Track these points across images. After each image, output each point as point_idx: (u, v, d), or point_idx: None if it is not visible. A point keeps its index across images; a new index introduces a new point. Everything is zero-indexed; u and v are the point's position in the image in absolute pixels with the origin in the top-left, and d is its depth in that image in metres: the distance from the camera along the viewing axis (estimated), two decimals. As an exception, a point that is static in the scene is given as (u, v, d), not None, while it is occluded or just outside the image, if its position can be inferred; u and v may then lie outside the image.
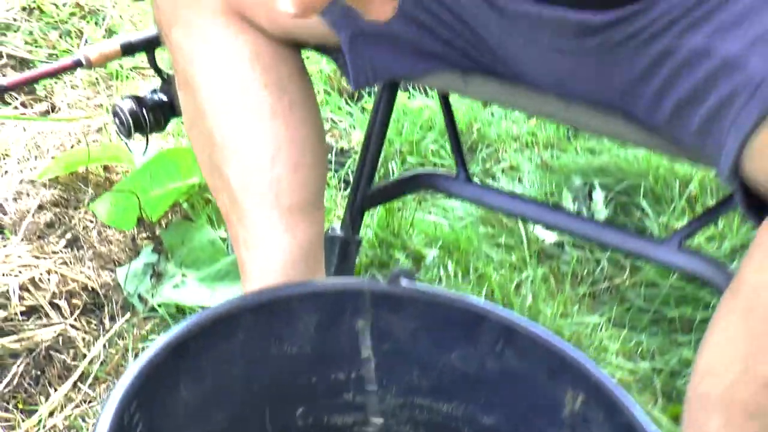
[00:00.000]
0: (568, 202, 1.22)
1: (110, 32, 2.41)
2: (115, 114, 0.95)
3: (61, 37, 2.22)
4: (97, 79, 2.06)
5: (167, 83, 0.97)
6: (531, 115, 0.86)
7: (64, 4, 2.38)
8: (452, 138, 0.82)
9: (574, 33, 0.65)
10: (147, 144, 0.99)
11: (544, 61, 0.70)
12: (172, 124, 1.10)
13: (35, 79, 1.09)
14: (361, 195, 0.88)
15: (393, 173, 1.41)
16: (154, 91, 0.96)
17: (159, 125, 0.97)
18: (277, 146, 0.74)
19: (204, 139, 0.78)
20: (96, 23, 2.42)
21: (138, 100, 0.94)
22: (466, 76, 0.73)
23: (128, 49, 0.99)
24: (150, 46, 0.97)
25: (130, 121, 0.93)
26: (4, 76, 1.87)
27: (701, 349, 0.55)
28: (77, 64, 0.97)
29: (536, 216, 0.79)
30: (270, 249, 0.78)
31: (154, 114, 0.95)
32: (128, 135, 0.95)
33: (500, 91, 0.72)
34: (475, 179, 1.34)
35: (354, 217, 0.91)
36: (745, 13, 0.52)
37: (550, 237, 1.20)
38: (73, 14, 2.36)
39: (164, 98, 0.95)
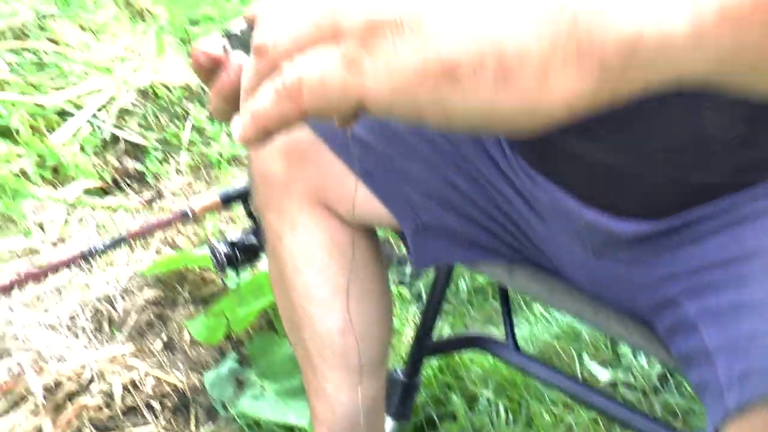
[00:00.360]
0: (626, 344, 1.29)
1: (214, 113, 2.65)
2: (212, 253, 1.12)
3: (170, 120, 2.46)
4: (198, 165, 2.28)
5: (259, 228, 1.13)
6: (566, 313, 0.96)
7: (175, 87, 2.63)
8: (504, 311, 0.94)
9: (607, 239, 0.75)
10: (239, 277, 1.16)
11: (581, 260, 0.81)
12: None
13: (150, 231, 1.28)
14: (422, 346, 1.01)
15: (462, 290, 1.53)
16: (247, 233, 1.13)
17: (250, 263, 1.14)
18: (347, 321, 0.87)
19: (284, 301, 0.92)
20: (201, 104, 2.66)
21: (232, 244, 1.11)
22: (512, 266, 0.84)
23: (226, 200, 1.17)
24: (245, 196, 1.15)
25: (225, 261, 1.09)
26: (121, 164, 2.11)
27: None
28: (185, 216, 1.15)
29: (576, 393, 0.89)
30: (337, 402, 0.91)
31: (246, 255, 1.11)
32: (222, 271, 1.12)
33: (540, 285, 0.82)
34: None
35: (415, 363, 1.03)
36: (732, 308, 0.61)
37: (604, 375, 1.29)
38: (183, 96, 2.60)
39: (255, 242, 1.11)
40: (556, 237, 0.81)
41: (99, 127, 2.21)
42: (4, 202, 1.63)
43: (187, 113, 2.55)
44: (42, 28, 2.68)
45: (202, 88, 2.74)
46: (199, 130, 2.49)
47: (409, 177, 0.82)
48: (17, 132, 1.90)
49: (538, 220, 0.80)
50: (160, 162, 2.23)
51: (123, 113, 2.37)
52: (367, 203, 0.84)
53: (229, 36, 0.44)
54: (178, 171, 2.22)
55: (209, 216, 1.78)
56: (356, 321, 0.88)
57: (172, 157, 2.28)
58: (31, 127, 1.98)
